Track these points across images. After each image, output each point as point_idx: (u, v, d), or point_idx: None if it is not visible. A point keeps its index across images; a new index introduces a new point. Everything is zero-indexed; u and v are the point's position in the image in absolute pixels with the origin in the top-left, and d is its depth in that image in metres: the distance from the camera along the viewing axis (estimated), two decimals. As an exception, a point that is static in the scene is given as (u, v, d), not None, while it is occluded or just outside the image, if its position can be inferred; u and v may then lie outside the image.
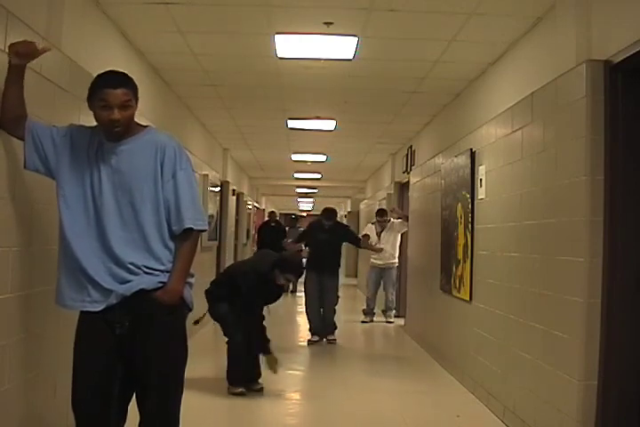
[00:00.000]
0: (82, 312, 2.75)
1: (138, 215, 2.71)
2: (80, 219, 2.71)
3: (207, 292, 5.22)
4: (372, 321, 9.42)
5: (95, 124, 2.77)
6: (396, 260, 9.39)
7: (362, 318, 9.48)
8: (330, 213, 7.99)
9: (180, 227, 2.74)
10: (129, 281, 2.69)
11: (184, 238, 2.77)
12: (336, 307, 7.90)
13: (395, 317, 9.44)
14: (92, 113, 2.75)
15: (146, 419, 2.77)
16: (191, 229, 2.75)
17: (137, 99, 2.76)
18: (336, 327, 7.85)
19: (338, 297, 7.93)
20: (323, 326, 7.78)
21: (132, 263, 2.69)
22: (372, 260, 9.47)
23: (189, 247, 2.79)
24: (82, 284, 2.68)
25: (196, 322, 5.16)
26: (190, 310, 2.89)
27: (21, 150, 2.83)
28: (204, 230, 2.89)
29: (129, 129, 2.75)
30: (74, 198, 2.73)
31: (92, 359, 2.71)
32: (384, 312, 9.45)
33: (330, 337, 7.78)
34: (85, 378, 2.71)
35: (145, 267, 2.71)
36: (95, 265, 2.68)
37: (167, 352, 2.75)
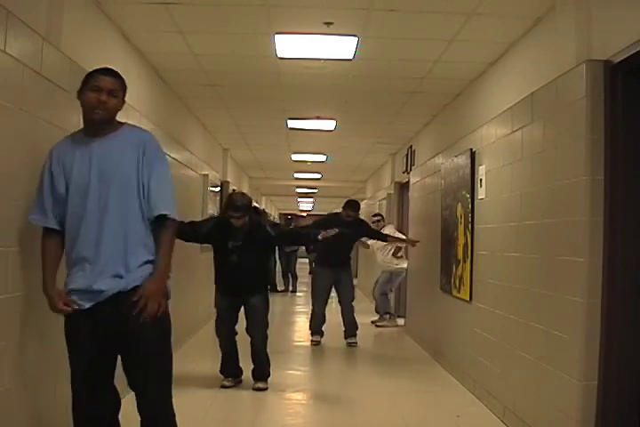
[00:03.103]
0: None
1: (127, 209, 2.78)
2: (70, 217, 2.78)
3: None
4: (383, 320, 9.27)
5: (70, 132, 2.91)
6: (389, 264, 9.20)
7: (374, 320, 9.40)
8: (355, 203, 7.61)
9: (153, 214, 2.81)
10: (121, 278, 2.76)
11: (163, 226, 2.84)
12: (353, 303, 7.68)
13: (390, 318, 9.33)
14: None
15: (140, 391, 2.83)
16: (165, 216, 2.83)
17: (124, 96, 2.89)
18: (357, 328, 7.64)
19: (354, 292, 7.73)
20: (322, 325, 7.63)
21: (124, 262, 2.76)
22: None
23: (170, 236, 2.86)
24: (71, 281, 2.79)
25: None
26: (168, 298, 2.92)
27: (21, 151, 2.84)
28: (176, 220, 2.93)
29: (111, 123, 2.85)
30: (67, 199, 2.79)
31: (82, 352, 2.81)
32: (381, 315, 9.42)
33: (351, 340, 7.54)
34: (80, 371, 2.82)
35: (136, 264, 2.77)
36: (87, 265, 2.75)
37: (152, 325, 2.79)
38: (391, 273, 9.22)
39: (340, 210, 7.90)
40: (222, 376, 5.29)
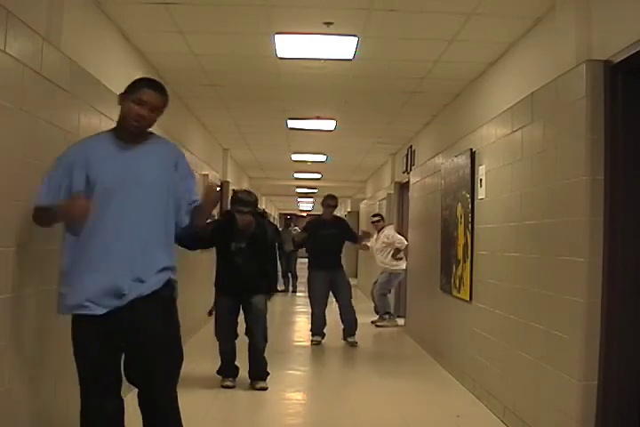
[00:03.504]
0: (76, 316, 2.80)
1: (149, 217, 2.82)
2: (97, 221, 2.76)
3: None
4: (383, 321, 9.29)
5: (96, 132, 2.93)
6: (388, 265, 9.21)
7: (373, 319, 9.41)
8: (333, 195, 7.85)
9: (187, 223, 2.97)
10: (141, 282, 2.78)
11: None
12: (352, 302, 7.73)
13: (390, 318, 9.30)
14: (91, 112, 2.77)
15: (146, 379, 2.83)
16: None
17: (164, 110, 2.95)
18: (357, 327, 7.67)
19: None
20: (324, 326, 7.69)
21: (142, 267, 2.78)
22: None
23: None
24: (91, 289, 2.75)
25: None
26: (175, 298, 2.97)
27: (21, 151, 2.83)
28: None
29: (144, 133, 2.91)
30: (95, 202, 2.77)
31: (98, 357, 2.78)
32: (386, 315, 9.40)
33: (351, 339, 7.58)
34: (96, 375, 2.79)
35: (157, 270, 2.82)
36: (104, 267, 2.75)
37: (163, 326, 2.84)
38: (390, 273, 9.23)
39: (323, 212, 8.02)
40: (220, 377, 5.31)
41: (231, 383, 5.26)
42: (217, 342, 5.35)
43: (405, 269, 8.99)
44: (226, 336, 5.29)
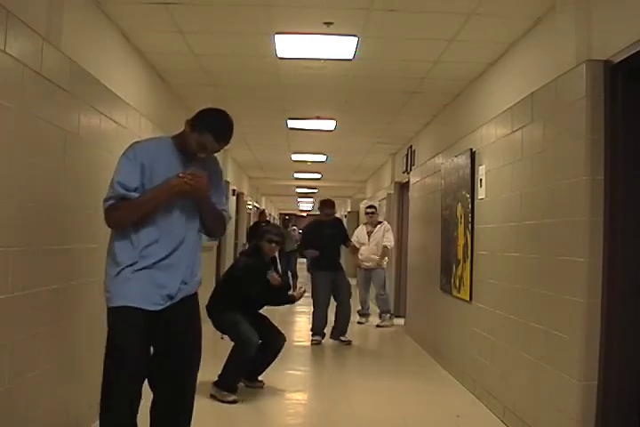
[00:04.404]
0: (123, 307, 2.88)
1: (197, 226, 3.06)
2: (157, 225, 2.93)
3: (207, 306, 5.20)
4: (367, 321, 9.38)
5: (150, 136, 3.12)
6: (377, 261, 9.25)
7: (357, 319, 9.41)
8: (330, 201, 8.02)
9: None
10: (186, 284, 3.02)
11: None
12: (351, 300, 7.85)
13: (389, 317, 9.29)
14: (91, 112, 2.76)
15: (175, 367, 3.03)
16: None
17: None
18: (348, 326, 7.80)
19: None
20: (324, 326, 7.71)
21: (189, 271, 3.02)
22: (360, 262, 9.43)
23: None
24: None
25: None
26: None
27: (21, 150, 2.82)
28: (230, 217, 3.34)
29: None
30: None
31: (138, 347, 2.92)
32: (379, 315, 9.38)
33: (345, 338, 7.67)
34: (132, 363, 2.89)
35: (195, 274, 3.07)
36: (165, 267, 2.94)
37: (197, 327, 3.16)
38: (379, 270, 9.28)
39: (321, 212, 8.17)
40: (229, 393, 4.95)
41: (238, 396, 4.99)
42: (215, 345, 5.35)
43: (368, 266, 9.34)
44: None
